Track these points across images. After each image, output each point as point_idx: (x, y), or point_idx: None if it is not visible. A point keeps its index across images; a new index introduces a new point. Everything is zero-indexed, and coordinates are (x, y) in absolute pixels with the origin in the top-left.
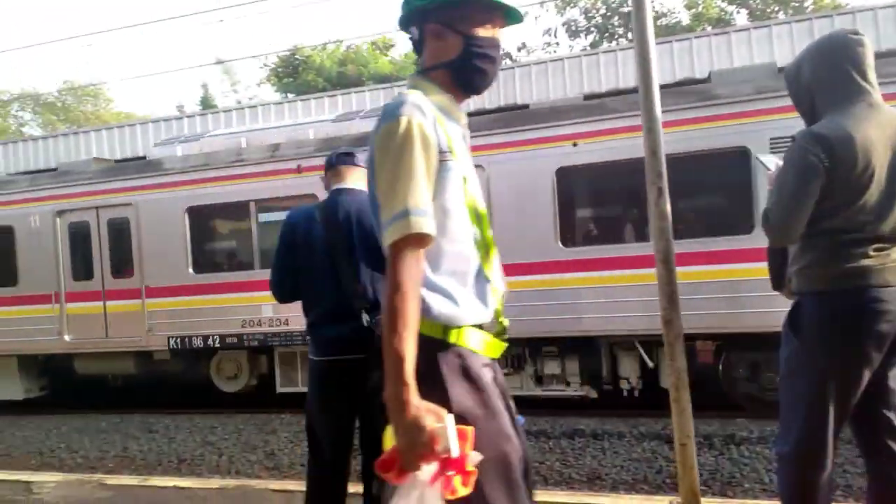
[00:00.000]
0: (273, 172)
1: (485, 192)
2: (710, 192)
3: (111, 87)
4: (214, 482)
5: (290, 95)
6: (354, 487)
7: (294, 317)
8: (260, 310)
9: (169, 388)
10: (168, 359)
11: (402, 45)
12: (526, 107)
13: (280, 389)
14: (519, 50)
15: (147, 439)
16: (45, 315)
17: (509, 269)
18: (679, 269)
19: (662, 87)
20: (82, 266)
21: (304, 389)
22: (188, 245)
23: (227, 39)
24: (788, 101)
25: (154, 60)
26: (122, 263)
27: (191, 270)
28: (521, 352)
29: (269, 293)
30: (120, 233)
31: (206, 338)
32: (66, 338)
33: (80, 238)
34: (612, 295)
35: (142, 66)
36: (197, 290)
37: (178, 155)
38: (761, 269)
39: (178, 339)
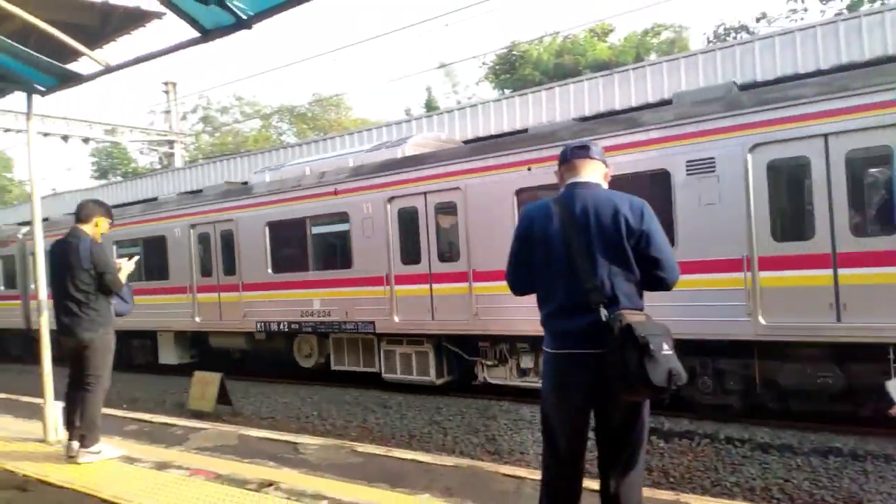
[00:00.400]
0: (319, 195)
1: (463, 209)
2: None
3: (350, 96)
4: (449, 460)
5: (507, 91)
6: (591, 483)
7: (335, 310)
8: (312, 303)
9: (267, 361)
10: (265, 338)
11: (622, 29)
12: (525, 131)
13: (334, 367)
14: (758, 20)
15: (383, 414)
16: (184, 301)
17: (482, 276)
18: None
19: (600, 115)
20: (206, 265)
21: (351, 368)
22: (268, 251)
23: (450, 43)
24: (703, 126)
25: (386, 69)
26: (230, 264)
27: (270, 271)
28: (503, 348)
29: (319, 289)
30: (228, 241)
31: (278, 323)
32: (197, 319)
33: (204, 244)
34: None
35: (376, 75)
36: (273, 286)
37: (265, 181)
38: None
39: (262, 324)
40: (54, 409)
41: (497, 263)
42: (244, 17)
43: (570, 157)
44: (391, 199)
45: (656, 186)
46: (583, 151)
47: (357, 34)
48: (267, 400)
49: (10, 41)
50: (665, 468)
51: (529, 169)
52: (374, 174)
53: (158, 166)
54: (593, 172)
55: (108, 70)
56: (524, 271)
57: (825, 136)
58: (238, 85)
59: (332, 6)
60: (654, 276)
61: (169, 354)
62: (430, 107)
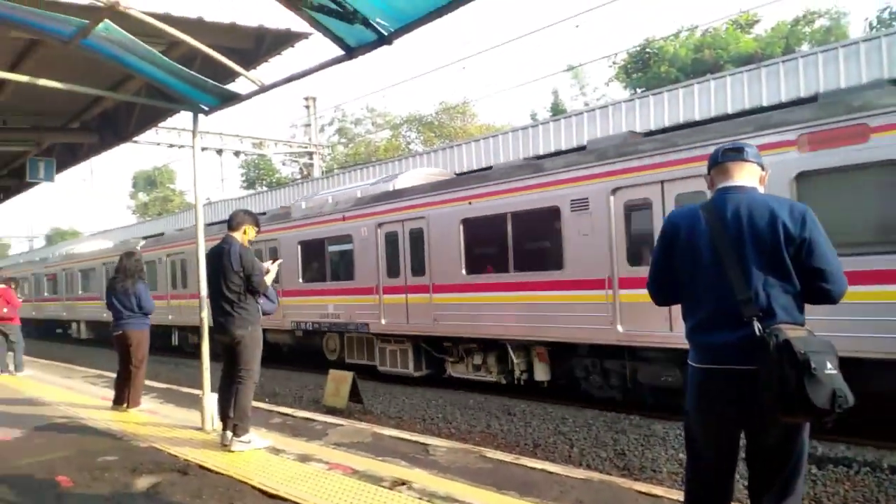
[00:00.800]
0: (332, 220)
1: (427, 234)
2: (539, 239)
3: (477, 103)
4: (580, 472)
5: (639, 91)
6: None
7: (342, 313)
8: (328, 307)
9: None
10: (303, 336)
11: (769, 19)
12: (490, 168)
13: (347, 361)
14: None
15: (506, 420)
16: None
17: (439, 288)
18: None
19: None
20: None
21: (358, 362)
22: (300, 264)
23: (579, 44)
24: (582, 173)
25: (514, 73)
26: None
27: (300, 280)
28: (461, 347)
29: (333, 296)
30: (273, 256)
31: (306, 323)
32: None
33: (258, 258)
34: (498, 309)
35: (503, 80)
36: (303, 293)
37: (301, 207)
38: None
39: (295, 323)
40: (211, 400)
41: (448, 278)
42: (385, 33)
43: (722, 160)
44: (381, 225)
45: (552, 220)
46: (736, 154)
47: (486, 41)
48: (395, 400)
49: (180, 66)
50: (818, 497)
51: (470, 203)
52: (369, 204)
53: (299, 176)
54: (748, 175)
55: (263, 89)
56: (667, 281)
57: (661, 182)
58: (370, 97)
59: (461, 15)
60: (817, 288)
61: None
62: (556, 110)
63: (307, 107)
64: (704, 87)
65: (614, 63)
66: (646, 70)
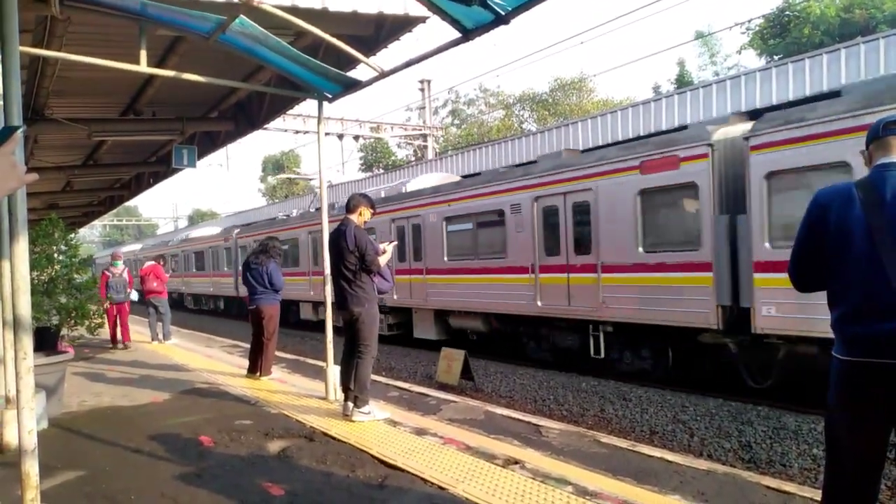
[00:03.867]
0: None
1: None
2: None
3: (593, 78)
4: (702, 463)
5: (776, 58)
6: None
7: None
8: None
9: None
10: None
11: None
12: (479, 174)
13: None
14: None
15: (622, 405)
16: (304, 282)
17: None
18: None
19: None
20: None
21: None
22: (312, 254)
23: (708, 11)
24: (514, 185)
25: (637, 45)
26: (315, 260)
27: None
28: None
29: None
30: (316, 243)
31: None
32: (311, 293)
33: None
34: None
35: (622, 55)
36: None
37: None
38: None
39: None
40: (334, 372)
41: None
42: (502, 13)
43: (883, 135)
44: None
45: (500, 218)
46: None
47: (606, 12)
48: (505, 379)
49: (307, 56)
50: None
51: (450, 204)
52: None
53: (413, 158)
54: None
55: (383, 75)
56: (812, 265)
57: (564, 194)
58: (484, 77)
59: None
60: None
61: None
62: (682, 82)
63: (422, 90)
64: (853, 51)
65: (748, 29)
66: (784, 35)
